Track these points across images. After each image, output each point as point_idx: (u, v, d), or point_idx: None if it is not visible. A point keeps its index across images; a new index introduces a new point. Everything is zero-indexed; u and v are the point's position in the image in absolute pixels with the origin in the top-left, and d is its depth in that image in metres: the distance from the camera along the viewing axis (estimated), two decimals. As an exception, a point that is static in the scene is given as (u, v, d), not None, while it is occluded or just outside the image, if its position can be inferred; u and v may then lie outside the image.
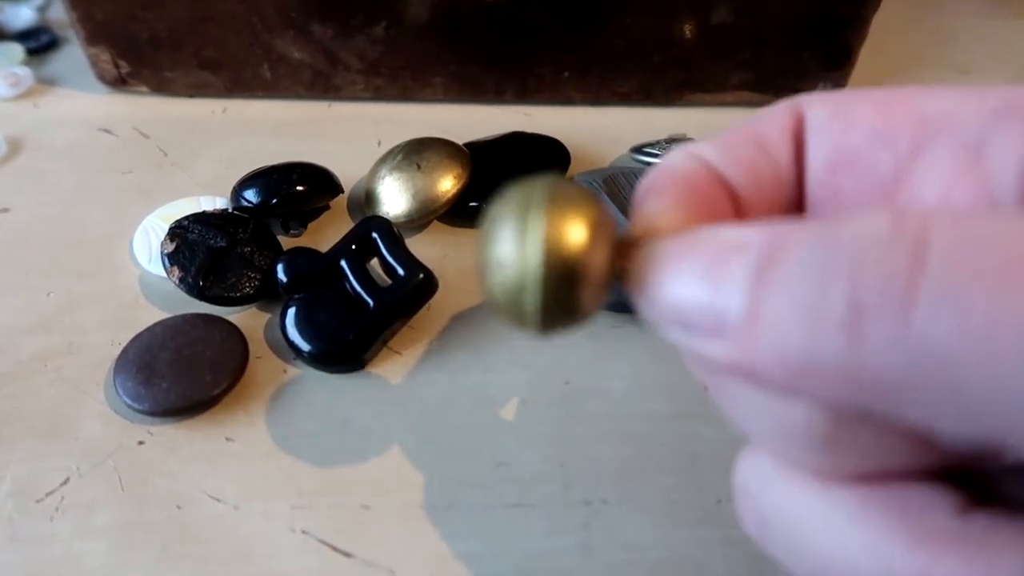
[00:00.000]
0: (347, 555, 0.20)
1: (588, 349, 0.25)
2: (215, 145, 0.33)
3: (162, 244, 0.26)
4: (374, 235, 0.26)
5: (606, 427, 0.23)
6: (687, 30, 0.32)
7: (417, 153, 0.29)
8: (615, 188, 0.29)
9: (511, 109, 0.35)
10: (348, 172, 0.30)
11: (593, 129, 0.34)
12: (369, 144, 0.33)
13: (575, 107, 0.35)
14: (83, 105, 0.35)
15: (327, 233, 0.29)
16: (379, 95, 0.35)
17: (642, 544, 0.21)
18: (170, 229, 0.26)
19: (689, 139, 0.32)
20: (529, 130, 0.32)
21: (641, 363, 0.25)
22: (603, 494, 0.21)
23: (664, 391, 0.24)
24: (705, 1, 0.31)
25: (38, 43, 0.38)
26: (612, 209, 0.28)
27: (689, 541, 0.20)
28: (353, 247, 0.25)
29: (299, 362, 0.25)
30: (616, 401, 0.24)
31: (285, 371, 0.25)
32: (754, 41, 0.32)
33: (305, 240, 0.29)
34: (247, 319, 0.26)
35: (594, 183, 0.28)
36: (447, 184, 0.28)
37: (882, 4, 0.32)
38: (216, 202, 0.29)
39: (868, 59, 0.34)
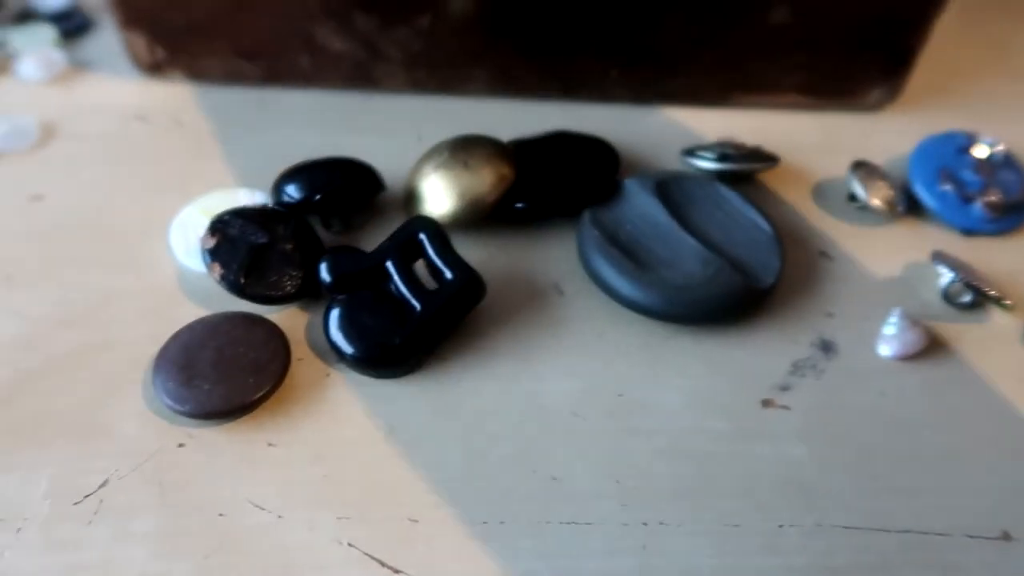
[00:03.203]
0: (396, 571, 0.20)
1: (640, 359, 0.24)
2: (251, 136, 0.32)
3: (202, 240, 0.25)
4: (421, 236, 0.25)
5: (661, 443, 0.22)
6: (743, 30, 0.31)
7: (464, 150, 0.28)
8: (667, 192, 0.28)
9: (553, 106, 0.34)
10: (387, 167, 0.29)
11: (638, 129, 0.33)
12: (408, 139, 0.32)
13: (619, 105, 0.34)
14: (117, 91, 0.34)
15: (366, 230, 0.28)
16: (419, 88, 0.34)
17: (702, 570, 0.20)
18: (211, 224, 0.25)
19: (739, 143, 0.31)
20: (571, 128, 0.31)
21: (696, 376, 0.24)
22: (660, 515, 0.21)
23: (721, 407, 0.23)
24: (764, 1, 0.30)
25: (71, 25, 0.37)
26: (665, 214, 0.27)
27: (750, 568, 0.20)
28: (399, 248, 0.25)
29: (342, 365, 0.24)
30: (671, 416, 0.23)
31: (328, 374, 0.24)
32: (811, 43, 0.31)
33: (344, 238, 0.28)
34: (287, 319, 0.25)
35: (645, 186, 0.28)
36: (494, 184, 0.27)
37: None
38: (254, 195, 0.28)
39: (923, 64, 0.33)
